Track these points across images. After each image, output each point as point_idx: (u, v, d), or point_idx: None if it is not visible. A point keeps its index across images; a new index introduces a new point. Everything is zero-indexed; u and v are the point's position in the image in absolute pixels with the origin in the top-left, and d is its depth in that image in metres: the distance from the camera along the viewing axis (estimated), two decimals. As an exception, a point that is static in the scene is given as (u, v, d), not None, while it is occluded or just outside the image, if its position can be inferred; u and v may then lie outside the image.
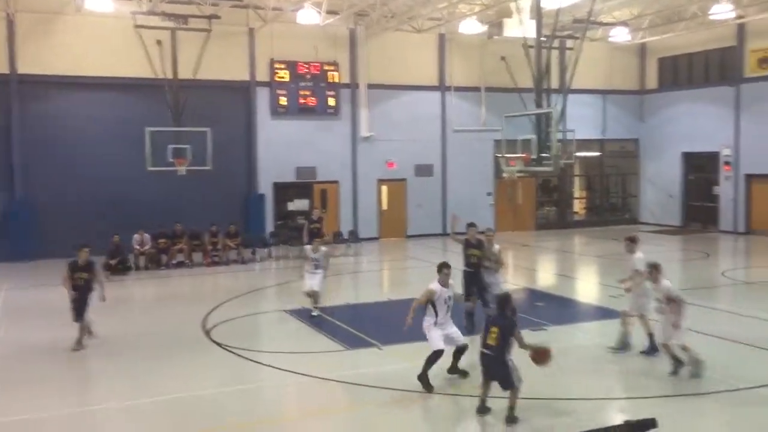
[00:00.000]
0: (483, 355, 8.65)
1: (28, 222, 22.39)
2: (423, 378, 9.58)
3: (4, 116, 22.54)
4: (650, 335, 11.03)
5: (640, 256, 11.44)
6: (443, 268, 9.94)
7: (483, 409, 8.73)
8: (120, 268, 20.13)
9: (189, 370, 11.05)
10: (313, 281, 14.31)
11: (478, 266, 13.12)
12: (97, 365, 11.36)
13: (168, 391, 9.98)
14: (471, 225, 13.44)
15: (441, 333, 9.79)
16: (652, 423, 3.97)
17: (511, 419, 8.44)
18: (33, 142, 22.67)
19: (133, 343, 12.68)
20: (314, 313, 14.25)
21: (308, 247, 14.75)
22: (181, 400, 9.70)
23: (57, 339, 12.63)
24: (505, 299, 8.84)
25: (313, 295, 14.37)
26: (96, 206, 22.88)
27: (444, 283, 9.87)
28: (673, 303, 9.99)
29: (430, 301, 9.79)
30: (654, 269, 10.26)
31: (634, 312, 11.31)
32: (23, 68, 22.51)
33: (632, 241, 11.65)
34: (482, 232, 13.47)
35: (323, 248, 14.63)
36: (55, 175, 22.86)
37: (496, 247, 13.37)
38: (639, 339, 11.27)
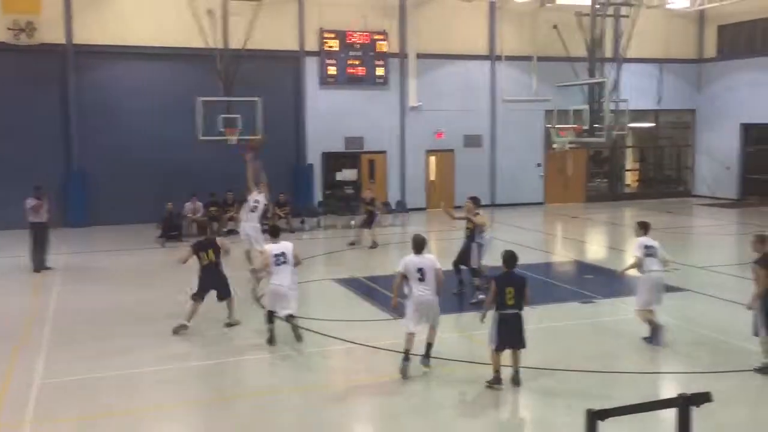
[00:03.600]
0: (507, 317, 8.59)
1: (84, 190, 23.01)
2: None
3: (61, 87, 23.02)
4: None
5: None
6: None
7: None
8: (174, 235, 20.59)
9: (240, 336, 11.28)
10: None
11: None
12: (155, 328, 11.66)
13: (221, 356, 10.23)
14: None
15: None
16: (706, 397, 3.91)
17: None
18: (88, 112, 23.10)
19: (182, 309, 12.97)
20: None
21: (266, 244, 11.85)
22: (234, 363, 9.94)
23: (116, 301, 13.03)
24: (511, 257, 8.78)
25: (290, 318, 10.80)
26: (148, 175, 23.31)
27: None
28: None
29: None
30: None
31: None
32: (79, 38, 22.93)
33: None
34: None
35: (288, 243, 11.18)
36: (109, 145, 23.27)
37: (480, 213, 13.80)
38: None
